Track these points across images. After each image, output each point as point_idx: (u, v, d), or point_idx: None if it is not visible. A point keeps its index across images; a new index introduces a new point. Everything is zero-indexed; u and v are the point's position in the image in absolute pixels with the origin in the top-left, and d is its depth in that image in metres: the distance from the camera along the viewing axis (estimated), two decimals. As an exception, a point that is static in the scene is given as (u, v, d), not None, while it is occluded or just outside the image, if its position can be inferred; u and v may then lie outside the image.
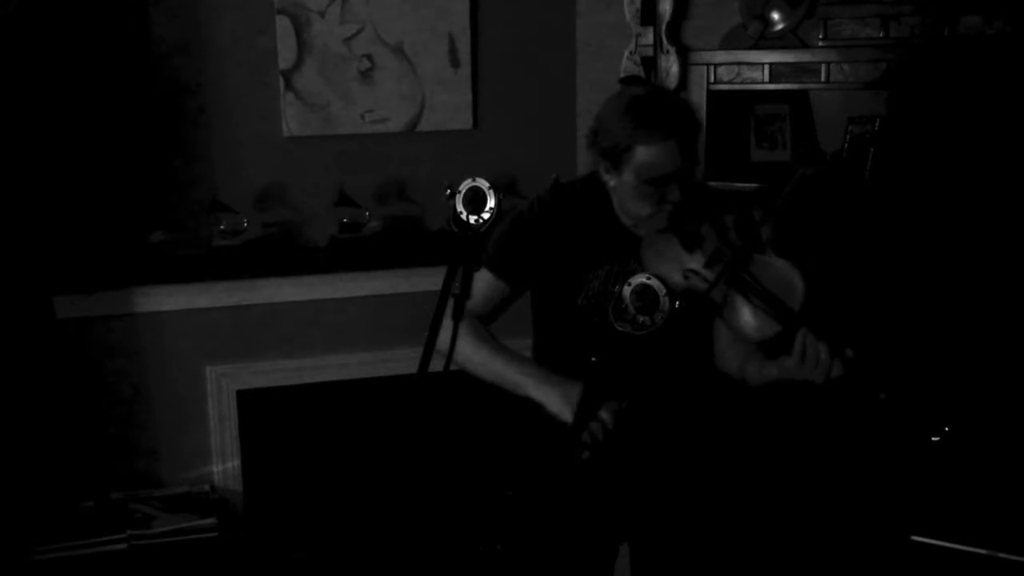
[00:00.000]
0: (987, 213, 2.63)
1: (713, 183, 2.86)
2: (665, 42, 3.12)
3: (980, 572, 2.29)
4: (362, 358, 3.35)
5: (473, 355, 2.24)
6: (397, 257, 3.29)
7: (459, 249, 1.77)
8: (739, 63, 3.01)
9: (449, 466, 3.41)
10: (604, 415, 2.08)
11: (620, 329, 1.93)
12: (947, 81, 2.75)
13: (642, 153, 2.07)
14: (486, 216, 1.74)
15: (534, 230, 2.24)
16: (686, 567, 2.32)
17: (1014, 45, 2.64)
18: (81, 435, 3.15)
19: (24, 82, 2.95)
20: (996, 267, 2.61)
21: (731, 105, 3.12)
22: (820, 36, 2.89)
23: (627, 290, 1.92)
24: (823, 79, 2.88)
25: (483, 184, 1.74)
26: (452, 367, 1.89)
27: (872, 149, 2.86)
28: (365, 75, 3.33)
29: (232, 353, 3.26)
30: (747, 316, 2.08)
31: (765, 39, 3.00)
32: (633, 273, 1.98)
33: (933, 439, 2.02)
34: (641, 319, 1.91)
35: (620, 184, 2.13)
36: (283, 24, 3.23)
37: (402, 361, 3.20)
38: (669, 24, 3.13)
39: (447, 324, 1.79)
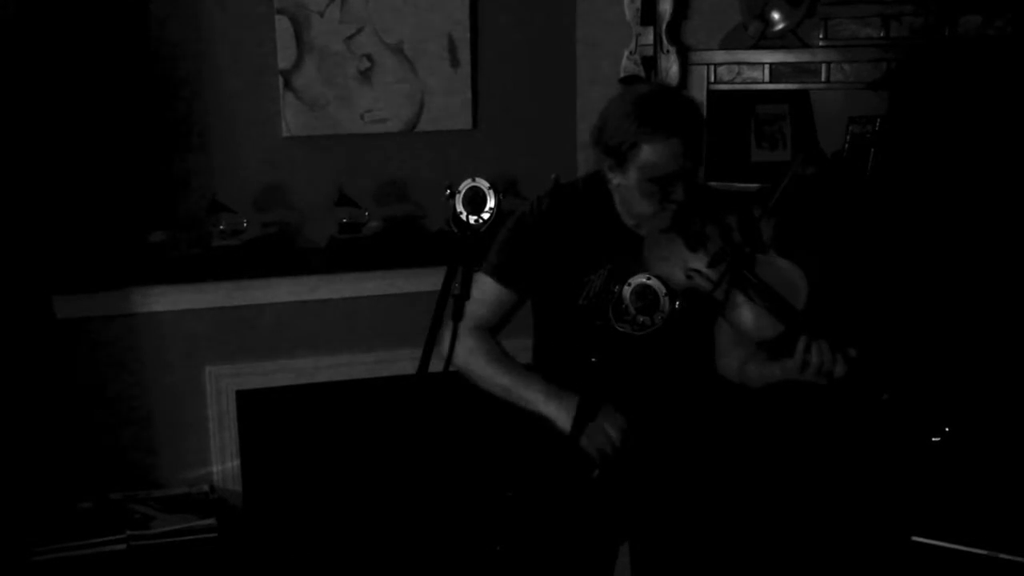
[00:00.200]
0: (988, 213, 2.63)
1: (713, 183, 2.85)
2: (665, 42, 3.12)
3: (980, 572, 2.29)
4: (362, 358, 3.35)
5: (483, 371, 2.26)
6: (397, 257, 3.29)
7: (459, 249, 1.77)
8: (739, 63, 3.01)
9: (449, 466, 3.41)
10: (612, 433, 2.09)
11: (620, 329, 1.93)
12: (948, 81, 2.75)
13: (648, 151, 2.06)
14: (486, 216, 1.74)
15: (537, 235, 2.24)
16: (686, 567, 2.32)
17: (1014, 45, 2.64)
18: (80, 435, 3.15)
19: (24, 82, 2.95)
20: (996, 267, 2.61)
21: (731, 105, 3.11)
22: (820, 36, 2.89)
23: (627, 290, 1.92)
24: (823, 79, 2.88)
25: (483, 184, 1.74)
26: (453, 371, 1.89)
27: (873, 149, 2.86)
28: (364, 75, 3.33)
29: (231, 353, 3.25)
30: (750, 316, 2.07)
31: (765, 39, 3.00)
32: (633, 273, 1.97)
33: (933, 439, 2.02)
34: (641, 319, 1.91)
35: (624, 182, 2.13)
36: (282, 24, 3.23)
37: (402, 361, 3.20)
38: (669, 24, 3.13)
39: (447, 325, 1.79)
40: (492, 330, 2.29)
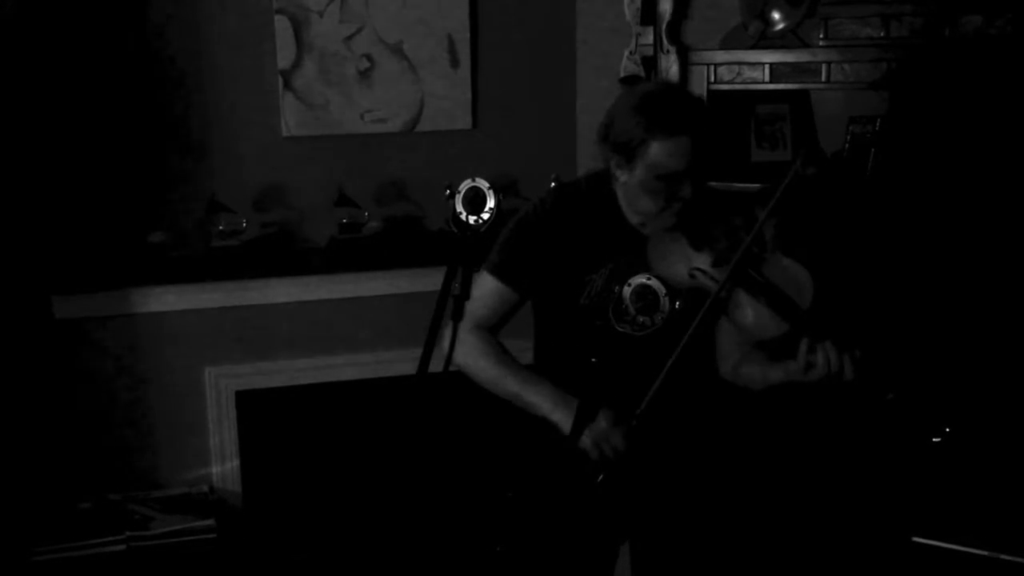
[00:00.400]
0: (988, 213, 2.63)
1: (713, 183, 2.85)
2: (665, 42, 3.12)
3: (980, 573, 2.29)
4: (361, 359, 3.35)
5: (490, 374, 2.25)
6: (397, 257, 3.29)
7: (459, 249, 1.77)
8: (739, 63, 3.01)
9: (449, 467, 3.41)
10: (616, 440, 2.09)
11: (620, 330, 1.92)
12: (948, 81, 2.75)
13: (657, 148, 2.06)
14: (486, 216, 1.74)
15: (540, 234, 2.23)
16: (687, 567, 2.32)
17: (1015, 45, 2.64)
18: (80, 435, 3.15)
19: (23, 82, 2.95)
20: (997, 267, 2.61)
21: (731, 105, 3.11)
22: (821, 36, 2.89)
23: (627, 290, 1.91)
24: (824, 79, 2.88)
25: (483, 184, 1.74)
26: (453, 371, 1.88)
27: (873, 149, 2.86)
28: (364, 75, 3.33)
29: (231, 354, 3.25)
30: (755, 315, 2.07)
31: (766, 39, 3.00)
32: (635, 273, 1.97)
33: (934, 440, 2.02)
34: (641, 319, 1.91)
35: (631, 180, 2.12)
36: (282, 24, 3.23)
37: (402, 362, 3.20)
38: (669, 24, 3.13)
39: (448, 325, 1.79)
40: (491, 330, 2.28)
